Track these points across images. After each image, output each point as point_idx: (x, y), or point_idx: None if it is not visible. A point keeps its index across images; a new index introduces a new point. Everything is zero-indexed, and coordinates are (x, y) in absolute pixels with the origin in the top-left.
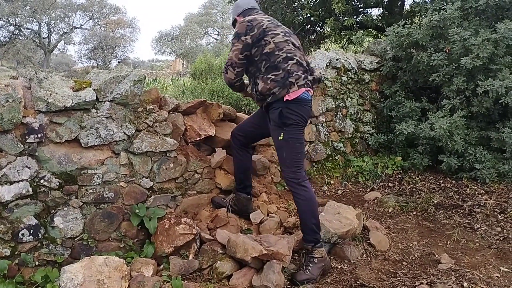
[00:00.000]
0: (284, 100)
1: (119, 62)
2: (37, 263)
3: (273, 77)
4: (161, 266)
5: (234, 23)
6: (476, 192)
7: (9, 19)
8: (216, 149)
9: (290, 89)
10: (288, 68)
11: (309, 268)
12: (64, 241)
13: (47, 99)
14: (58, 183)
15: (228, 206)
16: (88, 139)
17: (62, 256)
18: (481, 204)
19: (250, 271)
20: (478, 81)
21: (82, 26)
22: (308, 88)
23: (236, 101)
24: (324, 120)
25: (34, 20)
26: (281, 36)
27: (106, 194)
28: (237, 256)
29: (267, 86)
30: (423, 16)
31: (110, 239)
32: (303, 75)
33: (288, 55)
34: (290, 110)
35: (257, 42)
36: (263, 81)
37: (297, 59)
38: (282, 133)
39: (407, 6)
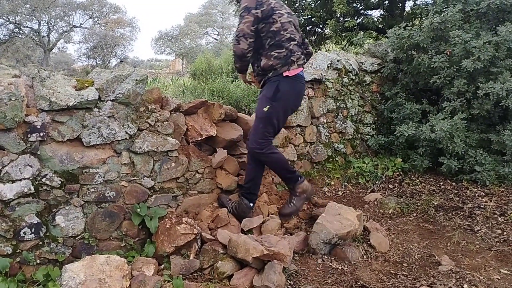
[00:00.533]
0: (284, 75)
1: (121, 61)
2: (38, 261)
3: (276, 54)
4: (162, 266)
5: None
6: (476, 195)
7: (9, 17)
8: (217, 149)
9: (291, 66)
10: (291, 47)
11: (292, 201)
12: (66, 239)
13: (49, 98)
14: (60, 182)
15: (230, 208)
16: (90, 138)
17: (64, 255)
18: (481, 206)
19: (251, 271)
20: (479, 84)
21: (82, 25)
22: (304, 68)
23: (236, 101)
24: (325, 121)
25: (34, 18)
26: (286, 16)
27: (108, 193)
28: (238, 256)
29: (270, 62)
30: (424, 18)
31: (111, 238)
32: (302, 56)
33: (291, 35)
34: (287, 85)
35: (265, 19)
36: (266, 58)
37: (297, 41)
38: (268, 106)
39: (408, 8)
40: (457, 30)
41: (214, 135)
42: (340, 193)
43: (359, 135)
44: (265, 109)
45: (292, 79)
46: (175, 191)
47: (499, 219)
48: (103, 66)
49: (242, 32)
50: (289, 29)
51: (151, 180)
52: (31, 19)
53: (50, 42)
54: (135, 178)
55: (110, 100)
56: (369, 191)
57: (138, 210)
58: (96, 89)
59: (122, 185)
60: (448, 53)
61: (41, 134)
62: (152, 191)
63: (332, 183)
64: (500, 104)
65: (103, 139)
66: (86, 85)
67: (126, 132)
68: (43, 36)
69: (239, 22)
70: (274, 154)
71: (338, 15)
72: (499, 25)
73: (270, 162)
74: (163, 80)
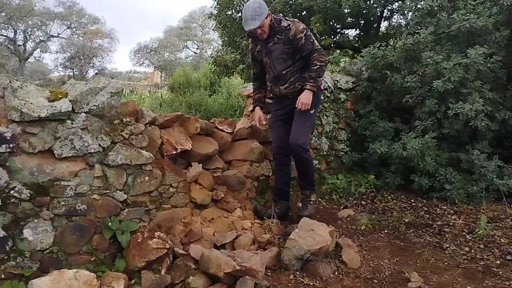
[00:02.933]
0: (321, 88)
1: (96, 73)
2: (3, 276)
3: None
4: (133, 281)
5: (263, 21)
6: (446, 212)
7: None
8: (192, 163)
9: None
10: None
11: (308, 207)
12: (33, 254)
13: (21, 108)
14: (29, 194)
15: (274, 214)
16: (62, 150)
17: (30, 269)
18: (450, 224)
19: (222, 287)
20: (449, 104)
21: (59, 35)
22: None
23: (214, 115)
24: None
25: (10, 27)
26: None
27: (79, 206)
28: (210, 272)
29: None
30: (398, 39)
31: (81, 252)
32: None
33: None
34: (320, 95)
35: None
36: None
37: None
38: (314, 109)
39: (382, 29)
40: (429, 52)
41: (189, 149)
42: None
43: (334, 151)
44: (312, 111)
45: (321, 91)
46: (148, 205)
47: (467, 236)
48: (80, 76)
49: (320, 47)
50: None
51: (123, 194)
52: (6, 27)
53: (26, 51)
54: (108, 191)
55: (84, 112)
56: (342, 207)
57: (110, 224)
58: (70, 100)
59: (94, 198)
60: (420, 73)
61: (11, 145)
62: (124, 204)
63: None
64: (469, 124)
65: (76, 152)
66: (60, 96)
67: (100, 145)
68: (19, 45)
69: (311, 39)
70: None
71: (315, 33)
72: (469, 48)
73: (309, 160)
74: (141, 92)
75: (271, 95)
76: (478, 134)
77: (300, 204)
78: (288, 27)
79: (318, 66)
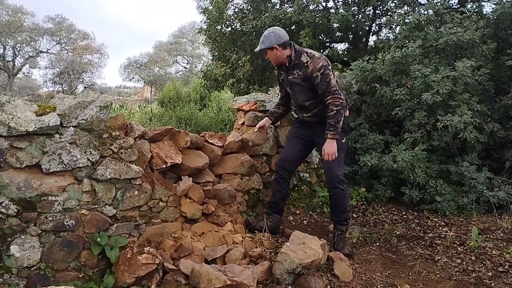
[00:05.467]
0: (347, 115)
1: (85, 87)
2: None
3: None
4: None
5: (264, 50)
6: (437, 224)
7: None
8: (182, 177)
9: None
10: None
11: (347, 245)
12: (20, 270)
13: (8, 123)
14: (16, 210)
15: (266, 227)
16: (50, 165)
17: (17, 287)
18: (442, 236)
19: None
20: (438, 116)
21: (48, 51)
22: None
23: (204, 129)
24: None
25: None
26: None
27: (67, 221)
28: (200, 287)
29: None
30: (386, 52)
31: (69, 268)
32: None
33: None
34: (347, 119)
35: None
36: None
37: None
38: (345, 138)
39: (371, 42)
40: (417, 65)
41: (179, 162)
42: (305, 222)
43: None
44: (344, 140)
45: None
46: (137, 219)
47: (459, 248)
48: (69, 92)
49: (336, 87)
50: None
51: (112, 208)
52: None
53: (15, 67)
54: (96, 206)
55: (73, 126)
56: None
57: (98, 239)
58: (58, 114)
59: (82, 213)
60: (409, 86)
61: None
62: (113, 219)
63: (297, 212)
64: (459, 136)
65: (64, 166)
66: (48, 110)
67: (88, 159)
68: (7, 61)
69: (326, 79)
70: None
71: (305, 47)
72: (457, 61)
73: (345, 193)
74: (131, 107)
75: (295, 116)
76: (467, 146)
77: (333, 239)
78: (306, 64)
79: (335, 112)
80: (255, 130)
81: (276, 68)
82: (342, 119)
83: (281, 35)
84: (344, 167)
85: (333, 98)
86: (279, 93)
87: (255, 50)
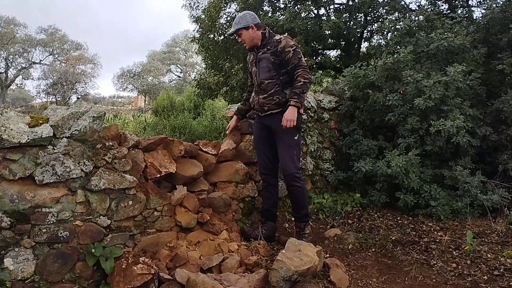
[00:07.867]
0: (302, 112)
1: (78, 98)
2: None
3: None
4: None
5: (240, 30)
6: (432, 229)
7: None
8: (176, 186)
9: None
10: None
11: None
12: (14, 283)
13: (1, 135)
14: (9, 222)
15: (261, 235)
16: (43, 176)
17: None
18: (437, 240)
19: None
20: (431, 121)
21: (41, 62)
22: None
23: (198, 137)
24: None
25: None
26: None
27: (61, 233)
28: None
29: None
30: (378, 58)
31: (63, 280)
32: None
33: None
34: (302, 117)
35: None
36: (289, 91)
37: None
38: (297, 134)
39: (363, 49)
40: (409, 70)
41: (174, 171)
42: None
43: (319, 171)
44: (296, 137)
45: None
46: (132, 229)
47: (454, 253)
48: (63, 102)
49: (305, 64)
50: None
51: (107, 219)
52: None
53: (8, 78)
54: (91, 217)
55: (66, 137)
56: (329, 226)
57: (93, 250)
58: (51, 126)
59: (77, 224)
60: (401, 91)
61: None
62: (108, 230)
63: (293, 219)
64: (452, 141)
65: (57, 177)
66: (41, 122)
67: (82, 170)
68: (0, 73)
69: (298, 55)
70: (304, 184)
71: None
72: (448, 66)
73: (303, 189)
74: (124, 116)
75: (253, 108)
76: (460, 150)
77: (295, 230)
78: (279, 40)
79: (302, 83)
80: (229, 134)
81: (248, 52)
82: (307, 92)
83: (255, 16)
84: (299, 162)
85: (303, 71)
86: (248, 86)
87: (229, 32)
